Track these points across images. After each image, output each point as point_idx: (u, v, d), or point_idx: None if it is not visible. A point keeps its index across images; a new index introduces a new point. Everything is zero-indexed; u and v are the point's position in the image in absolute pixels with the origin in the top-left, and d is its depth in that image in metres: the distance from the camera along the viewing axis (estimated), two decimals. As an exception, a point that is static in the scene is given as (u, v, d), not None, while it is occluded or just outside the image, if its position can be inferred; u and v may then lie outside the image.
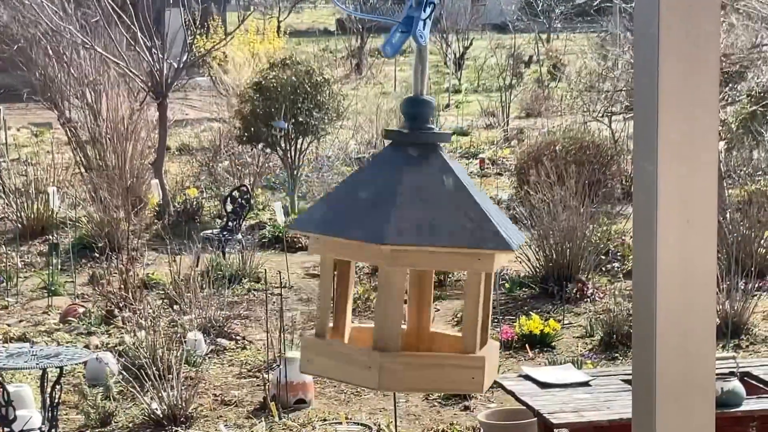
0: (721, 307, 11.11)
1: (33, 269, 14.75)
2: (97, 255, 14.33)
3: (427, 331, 2.54)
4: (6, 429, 8.45)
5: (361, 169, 2.40)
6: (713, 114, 2.08)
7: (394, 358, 2.23)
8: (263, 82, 17.29)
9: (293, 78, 17.00)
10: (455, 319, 12.18)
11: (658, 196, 2.06)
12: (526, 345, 11.00)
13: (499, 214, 2.31)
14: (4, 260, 14.46)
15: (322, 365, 2.35)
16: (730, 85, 14.91)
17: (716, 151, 2.10)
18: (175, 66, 17.59)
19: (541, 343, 11.10)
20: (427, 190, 2.25)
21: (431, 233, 2.20)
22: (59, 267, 14.39)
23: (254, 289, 13.45)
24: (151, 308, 11.45)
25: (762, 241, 12.96)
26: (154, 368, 9.56)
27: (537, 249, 12.93)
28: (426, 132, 2.34)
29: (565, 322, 11.85)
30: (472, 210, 2.25)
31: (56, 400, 8.91)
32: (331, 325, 2.43)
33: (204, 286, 12.26)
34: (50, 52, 18.52)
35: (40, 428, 8.91)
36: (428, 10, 2.34)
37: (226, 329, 11.70)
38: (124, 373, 10.25)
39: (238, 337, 11.71)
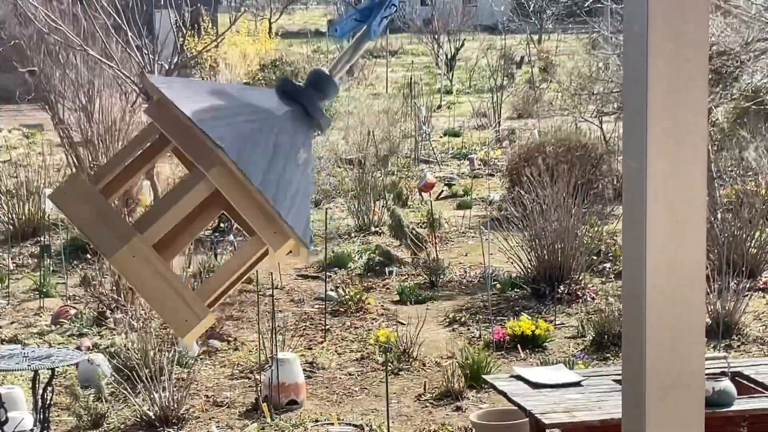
0: (712, 307, 11.13)
1: (24, 271, 14.73)
2: (89, 256, 14.31)
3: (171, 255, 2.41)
4: (-3, 431, 8.44)
5: (246, 87, 2.36)
6: (702, 114, 2.08)
7: (144, 247, 2.16)
8: (253, 83, 17.29)
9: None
10: (447, 320, 12.20)
11: (646, 196, 2.06)
12: (518, 345, 11.01)
13: (307, 213, 2.27)
14: (-4, 262, 14.46)
15: (77, 208, 2.21)
16: (721, 85, 14.93)
17: (705, 150, 2.11)
18: (167, 67, 17.58)
19: (532, 343, 11.11)
20: (284, 148, 2.21)
21: (263, 178, 2.14)
22: (51, 268, 14.37)
23: (246, 291, 13.45)
24: (142, 309, 11.43)
25: (753, 241, 12.98)
26: (145, 369, 9.56)
27: (529, 249, 12.95)
28: (316, 101, 2.29)
29: (557, 322, 11.86)
30: (302, 193, 2.21)
31: (48, 402, 8.90)
32: (106, 181, 2.30)
33: (196, 287, 12.23)
34: (43, 53, 18.51)
35: (32, 430, 8.90)
36: (389, 10, 2.35)
37: (218, 330, 11.70)
38: (116, 375, 10.24)
39: (230, 338, 11.71)
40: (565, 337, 11.51)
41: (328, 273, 13.48)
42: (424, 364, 10.86)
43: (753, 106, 16.19)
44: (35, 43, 18.77)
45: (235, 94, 2.28)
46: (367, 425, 9.43)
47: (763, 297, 12.57)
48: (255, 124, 2.18)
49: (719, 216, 13.12)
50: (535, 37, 38.69)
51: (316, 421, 9.61)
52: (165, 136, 2.26)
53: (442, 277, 13.63)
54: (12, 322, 12.59)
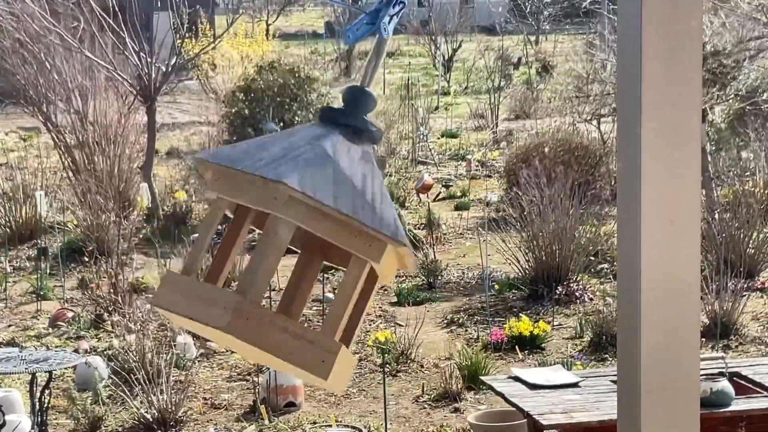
0: (710, 307, 11.13)
1: (22, 274, 14.72)
2: (86, 259, 14.30)
3: (294, 318, 2.41)
4: (-5, 434, 8.44)
5: (289, 130, 2.35)
6: (696, 114, 2.08)
7: (251, 306, 2.13)
8: (250, 85, 17.27)
9: (280, 80, 16.99)
10: (445, 321, 12.20)
11: (641, 197, 2.06)
12: (516, 346, 11.01)
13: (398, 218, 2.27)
14: (-7, 265, 14.44)
15: (175, 300, 2.21)
16: (717, 85, 14.93)
17: (699, 151, 2.10)
18: (164, 70, 17.58)
19: (530, 344, 11.11)
20: (344, 165, 2.21)
21: (332, 195, 2.14)
22: (48, 271, 14.37)
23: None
24: (140, 312, 11.43)
25: (750, 241, 12.98)
26: (143, 372, 9.55)
27: (526, 251, 12.94)
28: (362, 121, 2.31)
29: (555, 323, 11.86)
30: (379, 198, 2.20)
31: (45, 405, 8.90)
32: (199, 271, 2.32)
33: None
34: (38, 55, 18.50)
35: (29, 433, 8.89)
36: (397, 8, 2.35)
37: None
38: (114, 378, 10.23)
39: (227, 341, 11.69)
40: (563, 338, 11.50)
41: (325, 275, 13.48)
42: (422, 366, 10.85)
43: (749, 107, 16.19)
44: (30, 46, 18.75)
45: (278, 139, 2.29)
46: (365, 427, 9.43)
47: (761, 297, 12.58)
48: (307, 154, 2.19)
49: (717, 216, 13.12)
50: (533, 38, 38.69)
51: (314, 423, 9.61)
52: (239, 213, 2.28)
53: (440, 278, 13.62)
54: (9, 325, 12.58)
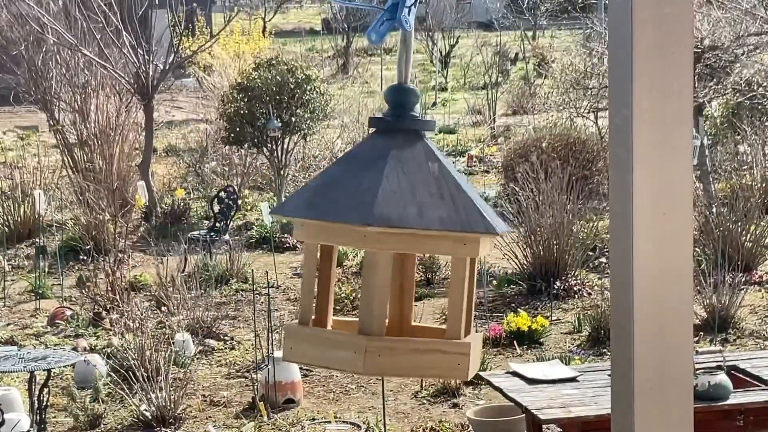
0: (708, 301, 11.14)
1: (20, 272, 14.72)
2: (84, 257, 14.31)
3: (408, 323, 2.52)
4: (-6, 432, 8.44)
5: (346, 156, 2.38)
6: (687, 105, 2.08)
7: (378, 342, 2.21)
8: (248, 83, 17.25)
9: (278, 78, 16.95)
10: (443, 317, 12.20)
11: (633, 189, 2.06)
12: (514, 341, 11.01)
13: (481, 200, 2.32)
14: (-9, 264, 14.44)
15: (305, 352, 2.32)
16: (715, 79, 14.93)
17: (690, 143, 2.10)
18: (161, 68, 17.57)
19: (529, 339, 11.11)
20: (413, 176, 2.25)
21: (418, 216, 2.20)
22: (46, 270, 14.36)
23: (242, 290, 13.45)
24: (138, 310, 11.43)
25: (748, 234, 12.99)
26: (142, 370, 9.56)
27: (524, 246, 12.94)
28: (410, 119, 2.34)
29: (553, 318, 11.86)
30: (458, 195, 2.25)
31: (44, 403, 8.91)
32: (313, 316, 2.40)
33: (191, 287, 12.25)
34: (40, 54, 18.51)
35: (28, 431, 8.89)
36: None
37: (214, 330, 11.69)
38: (113, 375, 10.24)
39: (226, 338, 11.71)
40: (561, 333, 11.51)
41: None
42: (420, 362, 10.84)
43: (746, 101, 16.19)
44: (31, 44, 18.77)
45: (343, 175, 2.32)
46: (364, 423, 9.43)
47: (759, 290, 12.58)
48: (375, 185, 2.23)
49: (714, 210, 13.13)
50: (530, 34, 38.67)
51: (313, 419, 9.61)
52: (324, 247, 2.38)
53: (437, 274, 13.62)
54: (8, 324, 12.59)
